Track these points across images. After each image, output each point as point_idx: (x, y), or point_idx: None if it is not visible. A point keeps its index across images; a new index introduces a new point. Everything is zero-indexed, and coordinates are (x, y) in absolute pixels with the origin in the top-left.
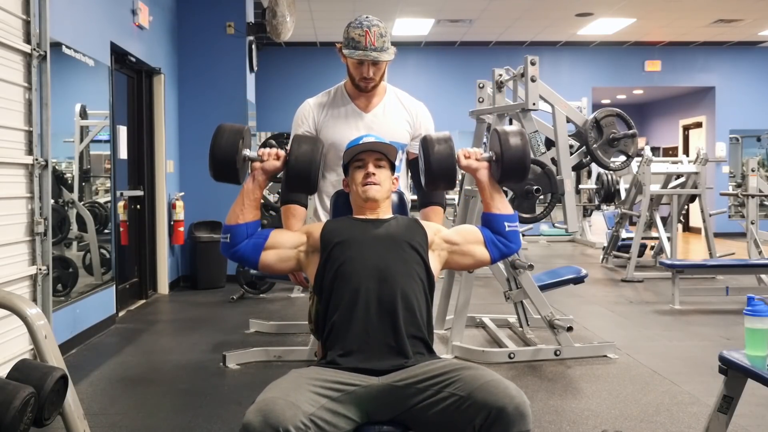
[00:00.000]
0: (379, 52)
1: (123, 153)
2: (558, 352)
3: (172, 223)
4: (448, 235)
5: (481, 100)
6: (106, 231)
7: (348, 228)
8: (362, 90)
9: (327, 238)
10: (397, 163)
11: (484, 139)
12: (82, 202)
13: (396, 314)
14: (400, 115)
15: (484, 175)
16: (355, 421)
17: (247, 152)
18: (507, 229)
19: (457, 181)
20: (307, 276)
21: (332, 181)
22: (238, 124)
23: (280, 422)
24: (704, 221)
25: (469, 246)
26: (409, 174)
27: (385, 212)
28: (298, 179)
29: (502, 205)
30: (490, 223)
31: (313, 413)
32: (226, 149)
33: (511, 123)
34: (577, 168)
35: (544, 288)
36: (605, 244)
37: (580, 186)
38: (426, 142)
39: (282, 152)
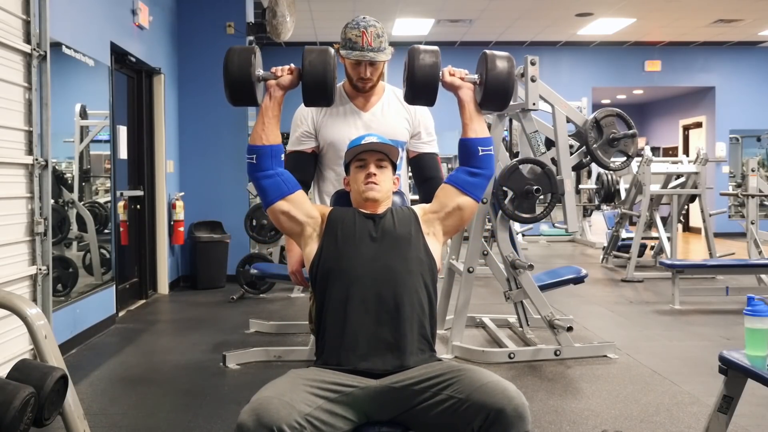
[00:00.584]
0: (375, 52)
1: (123, 153)
2: (558, 352)
3: (172, 223)
4: (430, 207)
5: None
6: (106, 231)
7: (351, 221)
8: (360, 90)
9: (330, 226)
10: (396, 161)
11: None
12: (82, 202)
13: (396, 312)
14: (398, 113)
15: (466, 95)
16: (354, 422)
17: (260, 71)
18: (480, 153)
19: None
20: (304, 257)
21: (332, 180)
22: (247, 46)
23: (273, 422)
24: (704, 221)
25: (451, 203)
26: (410, 172)
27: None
28: (316, 89)
29: (479, 127)
30: (464, 147)
31: (309, 413)
32: (240, 69)
33: (511, 123)
34: (577, 168)
35: (544, 288)
36: (605, 244)
37: (580, 186)
38: (412, 51)
39: (294, 66)
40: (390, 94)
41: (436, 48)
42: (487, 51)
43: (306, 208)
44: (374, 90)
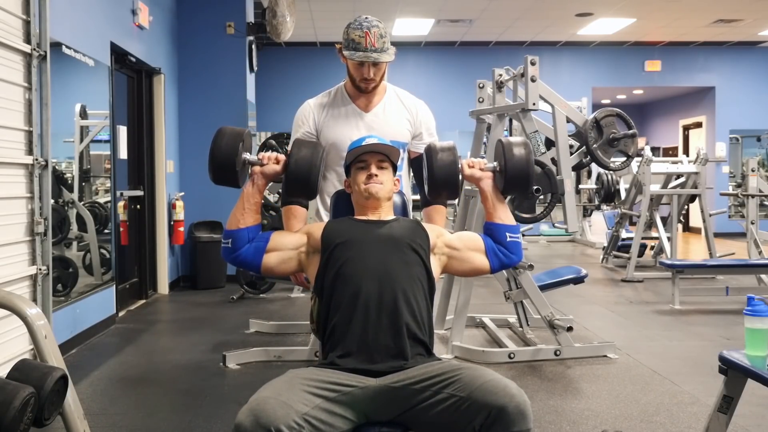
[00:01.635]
0: (379, 53)
1: (123, 153)
2: (558, 352)
3: (172, 223)
4: (450, 240)
5: (481, 100)
6: (106, 231)
7: (349, 229)
8: (362, 91)
9: (328, 239)
10: (398, 162)
11: (484, 139)
12: (82, 202)
13: (396, 316)
14: (400, 114)
15: (487, 185)
16: (353, 422)
17: (247, 155)
18: (508, 239)
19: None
20: (308, 277)
21: (333, 181)
22: (239, 127)
23: (271, 422)
24: (704, 221)
25: (470, 253)
26: (411, 173)
27: (387, 213)
28: (298, 184)
29: (504, 215)
30: (491, 232)
31: (307, 413)
32: (226, 152)
33: (511, 123)
34: (577, 168)
35: (544, 288)
36: (605, 244)
37: (580, 186)
38: (430, 151)
39: (282, 156)
40: (391, 93)
41: (452, 144)
42: (503, 139)
43: (290, 243)
44: (376, 90)
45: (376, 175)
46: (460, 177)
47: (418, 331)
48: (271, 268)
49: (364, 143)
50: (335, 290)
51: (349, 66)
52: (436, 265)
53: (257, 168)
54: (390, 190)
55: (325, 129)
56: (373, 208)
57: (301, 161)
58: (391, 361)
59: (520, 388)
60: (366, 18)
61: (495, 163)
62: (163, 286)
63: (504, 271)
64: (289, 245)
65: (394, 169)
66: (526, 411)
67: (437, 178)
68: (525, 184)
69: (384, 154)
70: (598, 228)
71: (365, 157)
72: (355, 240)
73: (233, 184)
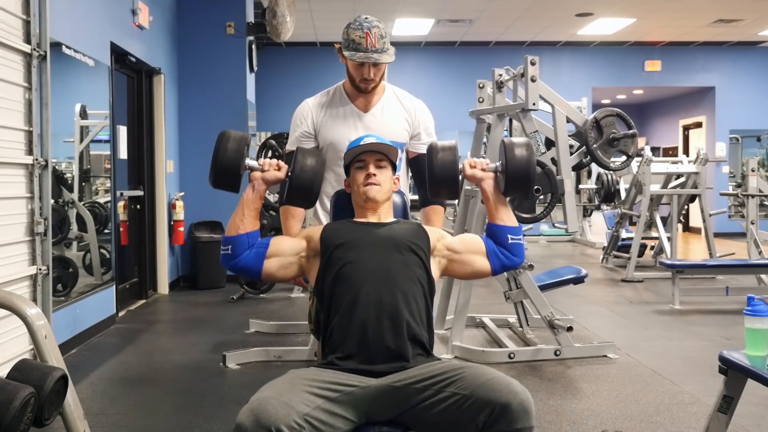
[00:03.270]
0: (380, 53)
1: (123, 153)
2: (558, 352)
3: (172, 223)
4: (451, 242)
5: (481, 100)
6: (106, 231)
7: (348, 230)
8: (362, 91)
9: (327, 241)
10: (396, 161)
11: (484, 139)
12: (82, 202)
13: (397, 317)
14: (398, 114)
15: (489, 186)
16: (353, 422)
17: (248, 161)
18: (510, 241)
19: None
20: (309, 280)
21: (331, 181)
22: (241, 132)
23: (272, 422)
24: (704, 221)
25: (471, 256)
26: (410, 173)
27: (387, 214)
28: (300, 193)
29: (506, 217)
30: (493, 234)
31: (308, 413)
32: (230, 157)
33: (511, 123)
34: (577, 168)
35: (544, 288)
36: (605, 244)
37: (580, 186)
38: (431, 150)
39: (283, 164)
40: (390, 93)
41: (453, 143)
42: (506, 140)
43: (289, 248)
44: (375, 90)
45: (374, 175)
46: (461, 177)
47: (419, 331)
48: (272, 274)
49: (362, 143)
50: (335, 292)
51: (348, 66)
52: (435, 267)
53: (257, 174)
54: (389, 189)
55: (323, 129)
56: (372, 209)
57: (306, 169)
58: (392, 361)
59: (523, 385)
60: (366, 18)
61: (497, 164)
62: (163, 286)
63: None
64: (289, 251)
65: (393, 167)
66: (529, 408)
67: (437, 177)
68: (526, 185)
69: (382, 154)
70: (598, 228)
71: (364, 156)
72: (354, 242)
73: (233, 188)
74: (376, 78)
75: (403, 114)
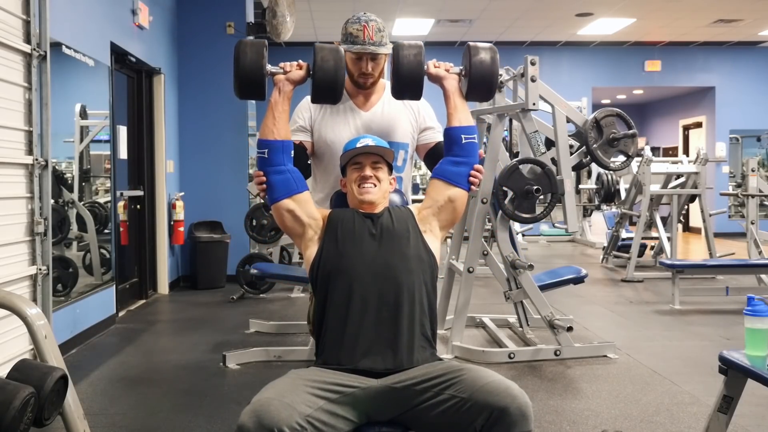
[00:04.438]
0: (377, 46)
1: (123, 153)
2: (558, 352)
3: (172, 223)
4: (423, 204)
5: None
6: (106, 231)
7: (350, 222)
8: (361, 86)
9: (330, 227)
10: (399, 163)
11: (484, 139)
12: (82, 202)
13: (397, 311)
14: (400, 113)
15: (451, 85)
16: (354, 422)
17: (268, 66)
18: (463, 141)
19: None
20: (303, 257)
21: (331, 182)
22: (258, 39)
23: (274, 423)
24: (704, 221)
25: (441, 197)
26: (418, 165)
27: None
28: (325, 86)
29: (464, 116)
30: (449, 138)
31: (309, 414)
32: (252, 64)
33: (511, 123)
34: (577, 168)
35: (544, 288)
36: (605, 244)
37: (580, 186)
38: (396, 49)
39: (303, 62)
40: (390, 92)
41: (419, 42)
42: (471, 43)
43: (310, 209)
44: (375, 88)
45: (370, 177)
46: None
47: (420, 324)
48: (281, 211)
49: (358, 144)
50: (330, 285)
51: (347, 61)
52: (431, 238)
53: (281, 76)
54: (385, 190)
55: (322, 128)
56: (368, 209)
57: (327, 59)
58: (392, 358)
59: (522, 389)
60: (364, 13)
61: (461, 67)
62: (163, 286)
63: (504, 271)
64: (308, 209)
65: (390, 168)
66: (527, 412)
67: (402, 75)
68: (489, 87)
69: (379, 156)
70: (598, 228)
71: (360, 158)
72: (353, 235)
73: (259, 95)
74: (375, 72)
75: (405, 113)
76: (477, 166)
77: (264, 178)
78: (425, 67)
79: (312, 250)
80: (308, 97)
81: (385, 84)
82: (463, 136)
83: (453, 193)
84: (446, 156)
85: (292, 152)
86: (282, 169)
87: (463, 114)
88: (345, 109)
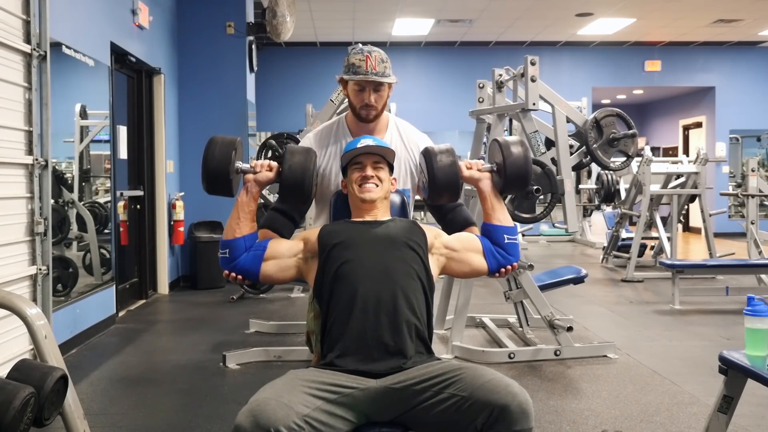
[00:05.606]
0: (380, 76)
1: (123, 153)
2: (558, 352)
3: (172, 223)
4: (449, 240)
5: (481, 100)
6: (106, 231)
7: (345, 230)
8: (363, 120)
9: (324, 241)
10: (393, 162)
11: (484, 139)
12: (82, 202)
13: (395, 314)
14: (401, 158)
15: (486, 186)
16: (353, 423)
17: (239, 164)
18: (506, 241)
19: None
20: (308, 282)
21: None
22: (231, 136)
23: (271, 423)
24: (704, 221)
25: (468, 254)
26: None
27: (384, 214)
28: (292, 190)
29: (503, 216)
30: (489, 234)
31: (307, 414)
32: (218, 161)
33: (511, 123)
34: (577, 168)
35: (544, 288)
36: (605, 244)
37: (580, 186)
38: (429, 154)
39: (274, 163)
40: (393, 130)
41: (449, 145)
42: (499, 139)
43: (287, 250)
44: (378, 125)
45: (371, 177)
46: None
47: (418, 329)
48: (270, 276)
49: (359, 145)
50: (333, 291)
51: (349, 94)
52: (434, 265)
53: (250, 176)
54: (387, 190)
55: (326, 171)
56: (368, 210)
57: (294, 166)
58: (391, 359)
59: (522, 387)
60: (366, 44)
61: (493, 164)
62: (163, 286)
63: None
64: (286, 253)
65: (391, 168)
66: (528, 410)
67: (439, 181)
68: (524, 182)
69: (380, 156)
70: (598, 228)
71: (361, 158)
72: (351, 241)
73: (227, 193)
74: (378, 105)
75: (406, 158)
76: (515, 263)
77: (234, 274)
78: (459, 169)
79: (312, 272)
80: (309, 135)
81: (388, 119)
82: (506, 236)
83: (478, 263)
84: (492, 244)
85: (255, 239)
86: (242, 255)
87: (502, 214)
88: None
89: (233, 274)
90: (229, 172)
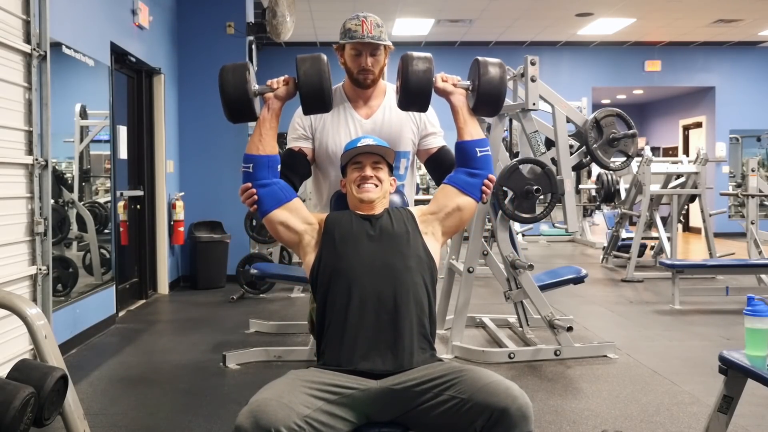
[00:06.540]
0: (376, 40)
1: (123, 153)
2: (558, 352)
3: (172, 223)
4: (429, 207)
5: None
6: (106, 231)
7: (348, 223)
8: (361, 85)
9: (328, 230)
10: (401, 171)
11: None
12: (82, 202)
13: (395, 311)
14: (401, 121)
15: (459, 101)
16: (353, 423)
17: (256, 86)
18: (478, 154)
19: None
20: (301, 260)
21: (330, 186)
22: (239, 62)
23: (272, 423)
24: (704, 221)
25: (450, 202)
26: (419, 170)
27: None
28: (313, 97)
29: (474, 130)
30: (461, 151)
31: (308, 415)
32: (235, 84)
33: (511, 123)
34: (577, 168)
35: (544, 288)
36: (605, 244)
37: (580, 186)
38: (406, 58)
39: (290, 77)
40: (391, 95)
41: (428, 54)
42: (480, 57)
43: (303, 214)
44: (375, 91)
45: (371, 177)
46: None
47: (419, 324)
48: (275, 224)
49: (359, 144)
50: (331, 287)
51: (346, 59)
52: (432, 241)
53: (270, 93)
54: (386, 190)
55: (323, 136)
56: (367, 210)
57: (309, 72)
58: (391, 358)
59: (522, 390)
60: (362, 12)
61: (469, 82)
62: (163, 286)
63: (504, 271)
64: (301, 216)
65: (390, 169)
66: (528, 413)
67: (411, 86)
68: (496, 103)
69: (379, 155)
70: (598, 228)
71: (360, 158)
72: (351, 236)
73: (250, 117)
74: (375, 69)
75: (406, 120)
76: (491, 176)
77: (254, 190)
78: (433, 79)
79: (311, 256)
80: None
81: (386, 87)
82: (477, 149)
83: (463, 202)
84: (460, 167)
85: (279, 167)
86: (266, 182)
87: (474, 128)
88: (345, 116)
89: (250, 194)
90: (248, 92)
